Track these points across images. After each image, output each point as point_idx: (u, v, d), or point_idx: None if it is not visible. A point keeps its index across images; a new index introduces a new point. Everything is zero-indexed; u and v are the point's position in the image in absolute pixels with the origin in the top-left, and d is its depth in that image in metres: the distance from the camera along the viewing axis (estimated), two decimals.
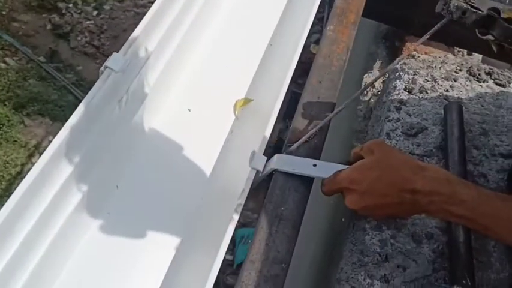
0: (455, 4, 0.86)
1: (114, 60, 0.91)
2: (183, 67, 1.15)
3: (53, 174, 0.86)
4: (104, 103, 0.92)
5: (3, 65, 3.21)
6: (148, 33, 0.99)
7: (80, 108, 0.88)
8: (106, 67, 0.91)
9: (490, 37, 0.87)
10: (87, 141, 0.92)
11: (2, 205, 0.78)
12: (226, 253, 2.30)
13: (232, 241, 2.67)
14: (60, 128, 0.86)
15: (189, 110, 1.12)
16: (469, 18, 0.86)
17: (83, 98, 0.90)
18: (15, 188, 0.79)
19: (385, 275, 0.90)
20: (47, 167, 0.84)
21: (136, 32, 0.95)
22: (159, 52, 1.03)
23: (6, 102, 3.05)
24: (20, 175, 2.76)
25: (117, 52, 0.94)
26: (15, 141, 2.92)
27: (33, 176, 0.82)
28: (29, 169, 0.80)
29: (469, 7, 0.85)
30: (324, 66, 1.12)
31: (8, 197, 0.78)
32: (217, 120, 1.12)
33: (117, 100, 0.95)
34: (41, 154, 0.83)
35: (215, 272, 0.87)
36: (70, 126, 0.86)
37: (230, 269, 2.62)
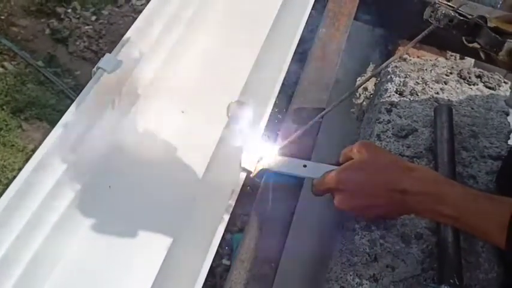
0: (443, 11, 0.87)
1: (107, 61, 0.92)
2: (177, 69, 1.16)
3: (44, 173, 0.87)
4: (96, 103, 0.93)
5: (1, 70, 3.22)
6: (141, 34, 1.01)
7: (72, 108, 0.89)
8: (98, 68, 0.92)
9: (476, 45, 0.88)
10: (79, 141, 0.92)
11: None
12: (223, 258, 2.30)
13: (230, 246, 2.67)
14: None
15: (182, 111, 1.13)
16: (456, 25, 0.87)
17: None
18: None
19: (374, 274, 0.91)
20: (39, 167, 0.85)
21: (129, 33, 0.97)
22: (152, 53, 1.04)
23: (4, 107, 3.06)
24: None
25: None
26: (13, 145, 2.93)
27: (25, 175, 0.83)
28: None
29: (457, 15, 0.86)
30: (315, 69, 1.13)
31: None
32: (210, 121, 1.13)
33: (109, 100, 0.96)
34: None
35: (205, 271, 0.88)
36: (62, 126, 0.87)
37: (227, 274, 2.61)
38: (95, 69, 0.92)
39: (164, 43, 1.08)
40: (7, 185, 3.07)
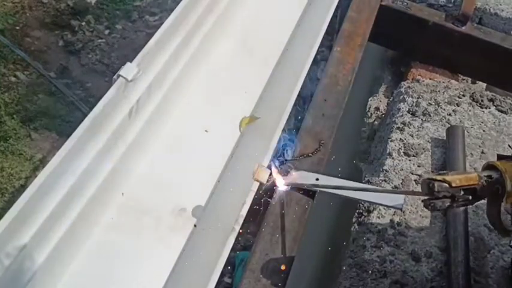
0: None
1: (128, 70, 0.94)
2: (192, 82, 1.18)
3: (61, 177, 0.88)
4: (115, 110, 0.95)
5: (13, 79, 3.25)
6: (162, 46, 1.02)
7: (92, 113, 0.90)
8: (119, 75, 0.93)
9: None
10: (96, 146, 0.94)
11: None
12: (225, 276, 2.26)
13: (232, 264, 2.65)
14: None
15: (201, 125, 1.14)
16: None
17: None
18: None
19: None
20: (55, 171, 0.86)
21: (150, 43, 0.98)
22: (171, 65, 1.06)
23: (15, 116, 3.08)
24: (23, 188, 2.76)
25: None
26: (21, 154, 2.94)
27: (42, 180, 0.84)
28: None
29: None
30: (329, 85, 1.14)
31: None
32: (224, 135, 1.14)
33: (127, 109, 0.98)
34: None
35: (215, 278, 0.88)
36: (82, 130, 0.88)
37: None
38: (115, 76, 0.93)
39: (182, 56, 1.11)
40: (13, 193, 3.05)
